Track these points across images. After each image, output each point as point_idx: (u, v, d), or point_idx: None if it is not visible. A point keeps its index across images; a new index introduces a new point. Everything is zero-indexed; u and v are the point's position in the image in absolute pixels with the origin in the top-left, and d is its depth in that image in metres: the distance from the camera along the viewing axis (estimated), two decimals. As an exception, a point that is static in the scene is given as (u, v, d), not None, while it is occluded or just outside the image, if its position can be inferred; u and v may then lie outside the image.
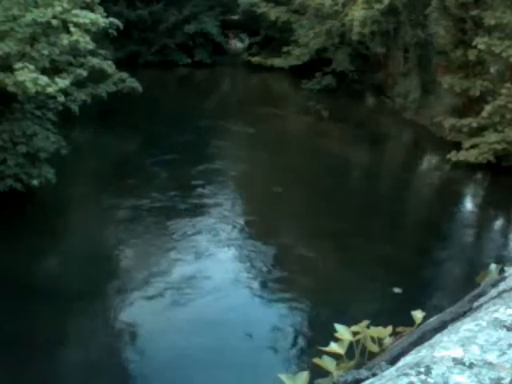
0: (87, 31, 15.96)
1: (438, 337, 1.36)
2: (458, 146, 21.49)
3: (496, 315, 1.30)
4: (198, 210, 17.00)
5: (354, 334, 1.62)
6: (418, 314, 1.73)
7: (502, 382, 1.05)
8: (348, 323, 1.70)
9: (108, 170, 19.53)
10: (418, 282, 13.53)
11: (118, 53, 29.64)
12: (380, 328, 1.64)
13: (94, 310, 12.18)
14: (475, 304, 1.56)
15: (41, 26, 15.24)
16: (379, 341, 1.62)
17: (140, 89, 20.14)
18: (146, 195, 17.75)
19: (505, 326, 1.23)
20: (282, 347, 11.09)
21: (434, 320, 1.57)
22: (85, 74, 17.00)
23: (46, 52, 15.13)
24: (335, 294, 12.84)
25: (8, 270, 12.50)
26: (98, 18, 16.14)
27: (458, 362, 1.10)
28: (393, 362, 1.33)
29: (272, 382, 1.61)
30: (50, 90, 14.10)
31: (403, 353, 1.37)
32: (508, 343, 1.16)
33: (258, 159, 22.18)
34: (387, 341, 1.62)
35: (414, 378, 1.06)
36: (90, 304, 12.17)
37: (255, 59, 37.66)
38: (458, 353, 1.13)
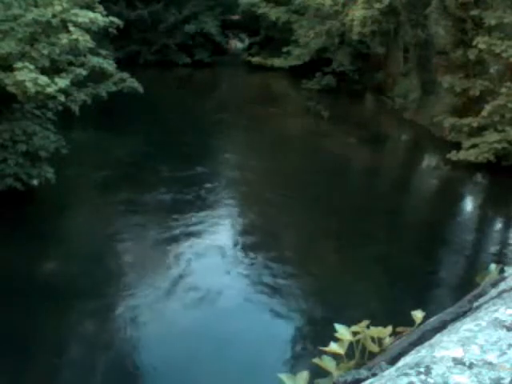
0: (87, 30, 15.97)
1: (438, 337, 1.35)
2: (457, 146, 21.50)
3: (496, 315, 1.30)
4: (198, 208, 16.98)
5: (354, 333, 1.62)
6: (417, 314, 1.72)
7: (502, 381, 1.05)
8: (347, 321, 1.70)
9: (108, 169, 19.52)
10: (417, 282, 13.53)
11: (118, 53, 29.64)
12: (380, 328, 1.64)
13: (94, 308, 12.16)
14: (475, 304, 1.56)
15: (41, 26, 15.24)
16: (379, 341, 1.61)
17: (140, 89, 20.09)
18: (145, 194, 17.75)
19: (505, 326, 1.23)
20: (282, 346, 11.09)
21: (434, 320, 1.57)
22: (84, 73, 16.98)
23: (45, 52, 15.12)
24: (335, 292, 12.84)
25: (8, 269, 12.50)
26: (97, 16, 16.14)
27: (458, 361, 1.10)
28: (393, 362, 1.33)
29: (272, 382, 1.61)
30: (49, 90, 14.10)
31: (403, 353, 1.37)
32: (508, 343, 1.16)
33: (258, 159, 22.17)
34: (387, 341, 1.62)
35: (414, 378, 1.06)
36: (90, 303, 12.16)
37: (255, 59, 37.68)
38: (458, 353, 1.13)
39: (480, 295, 1.63)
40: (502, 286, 1.62)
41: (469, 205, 20.80)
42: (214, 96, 33.47)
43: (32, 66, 14.22)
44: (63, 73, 15.93)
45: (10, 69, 14.36)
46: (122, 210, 16.70)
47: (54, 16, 15.24)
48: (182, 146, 22.19)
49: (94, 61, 18.11)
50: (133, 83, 20.24)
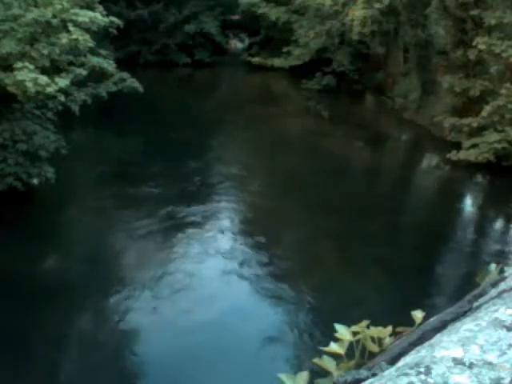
0: (87, 30, 15.97)
1: (437, 337, 1.35)
2: (457, 146, 21.51)
3: (496, 315, 1.30)
4: (196, 208, 16.99)
5: (354, 333, 1.62)
6: (418, 314, 1.72)
7: (502, 381, 1.05)
8: (347, 321, 1.70)
9: (108, 169, 19.51)
10: (417, 282, 13.52)
11: (118, 53, 29.64)
12: (380, 328, 1.64)
13: (94, 308, 12.17)
14: (475, 304, 1.55)
15: (41, 26, 15.24)
16: (379, 341, 1.61)
17: (141, 89, 20.11)
18: (146, 194, 17.74)
19: (505, 326, 1.23)
20: (282, 346, 11.09)
21: (434, 320, 1.56)
22: (84, 73, 17.00)
23: (45, 52, 15.12)
24: (334, 291, 12.84)
25: (8, 269, 12.49)
26: (97, 16, 16.15)
27: (458, 361, 1.10)
28: (393, 362, 1.33)
29: (272, 382, 1.61)
30: (49, 89, 14.10)
31: (403, 353, 1.37)
32: (508, 343, 1.16)
33: (258, 159, 22.16)
34: (387, 341, 1.62)
35: (414, 378, 1.05)
36: (89, 301, 12.17)
37: (255, 59, 37.67)
38: (458, 353, 1.13)
39: (480, 295, 1.63)
40: (502, 286, 1.62)
41: (469, 205, 20.79)
42: (214, 96, 33.46)
43: (32, 66, 14.22)
44: (63, 73, 15.94)
45: (10, 69, 14.37)
46: (121, 210, 16.69)
47: (54, 16, 15.24)
48: (182, 145, 22.18)
49: (94, 61, 18.13)
50: (133, 83, 20.27)
